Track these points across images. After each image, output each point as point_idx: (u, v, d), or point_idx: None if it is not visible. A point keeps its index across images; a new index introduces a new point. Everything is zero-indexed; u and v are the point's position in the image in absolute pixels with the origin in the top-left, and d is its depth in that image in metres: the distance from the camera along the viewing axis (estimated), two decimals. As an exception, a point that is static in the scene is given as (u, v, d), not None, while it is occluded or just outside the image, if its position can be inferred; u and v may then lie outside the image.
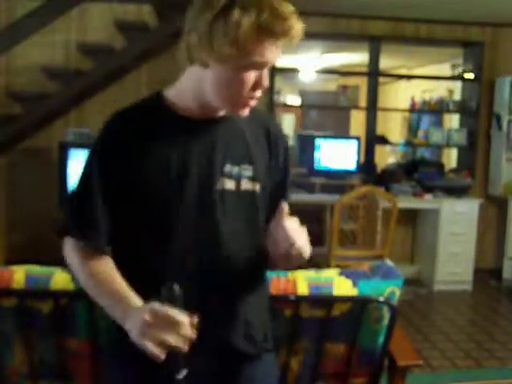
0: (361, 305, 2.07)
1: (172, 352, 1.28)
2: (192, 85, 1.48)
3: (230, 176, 1.52)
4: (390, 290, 2.08)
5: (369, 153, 6.65)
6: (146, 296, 1.38)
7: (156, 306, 1.29)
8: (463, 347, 4.55)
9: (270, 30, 1.37)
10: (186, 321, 1.28)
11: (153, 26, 5.38)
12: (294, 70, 8.00)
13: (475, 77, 6.50)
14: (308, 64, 8.47)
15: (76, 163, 5.01)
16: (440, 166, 6.61)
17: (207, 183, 1.49)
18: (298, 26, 1.48)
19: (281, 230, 1.45)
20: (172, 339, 1.27)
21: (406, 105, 7.48)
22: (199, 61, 1.41)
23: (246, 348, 1.58)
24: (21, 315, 1.96)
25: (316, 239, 5.96)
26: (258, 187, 1.56)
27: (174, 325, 1.27)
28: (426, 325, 5.05)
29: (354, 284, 2.07)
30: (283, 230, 1.44)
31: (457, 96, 7.19)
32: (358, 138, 6.37)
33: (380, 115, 7.00)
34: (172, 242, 1.47)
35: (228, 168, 1.51)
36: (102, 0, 5.56)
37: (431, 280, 6.06)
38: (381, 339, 2.13)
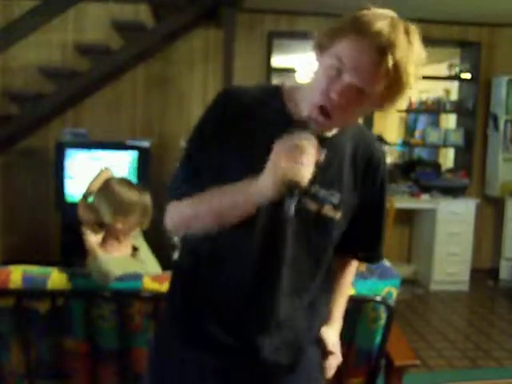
0: (358, 305, 2.07)
1: (290, 187, 1.27)
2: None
3: (313, 198, 1.46)
4: (387, 290, 2.09)
5: (366, 153, 6.64)
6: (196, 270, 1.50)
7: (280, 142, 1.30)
8: (460, 347, 4.56)
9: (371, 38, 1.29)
10: (313, 147, 1.29)
11: (149, 26, 5.38)
12: (290, 70, 7.99)
13: (472, 77, 6.51)
14: (305, 64, 8.47)
15: (72, 163, 5.01)
16: (437, 166, 6.61)
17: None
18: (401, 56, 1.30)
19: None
20: (304, 161, 1.26)
21: (402, 105, 7.48)
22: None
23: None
24: (18, 315, 1.96)
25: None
26: (338, 215, 1.50)
27: (303, 150, 1.27)
28: (422, 325, 5.06)
29: (351, 284, 2.07)
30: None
31: (453, 96, 7.19)
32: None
33: (377, 115, 7.00)
34: (239, 236, 1.45)
35: (315, 189, 1.46)
36: (99, 0, 5.55)
37: (428, 280, 6.06)
38: (377, 339, 2.13)
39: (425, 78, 8.48)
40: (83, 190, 2.66)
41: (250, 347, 1.50)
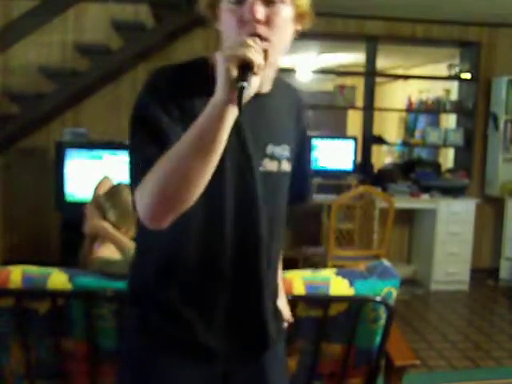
0: (357, 305, 2.07)
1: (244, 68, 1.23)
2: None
3: (272, 157, 1.49)
4: (387, 289, 2.08)
5: (366, 153, 6.66)
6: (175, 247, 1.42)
7: None
8: (460, 347, 4.56)
9: None
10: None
11: (149, 26, 5.38)
12: (290, 70, 7.99)
13: (472, 77, 6.51)
14: (305, 64, 8.47)
15: (73, 163, 5.01)
16: (437, 166, 6.62)
17: (248, 165, 1.44)
18: None
19: None
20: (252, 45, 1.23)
21: (402, 105, 7.49)
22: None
23: (273, 330, 1.58)
24: (17, 315, 1.96)
25: (313, 239, 5.96)
26: (289, 167, 1.55)
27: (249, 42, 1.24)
28: (422, 325, 5.06)
29: (351, 284, 2.07)
30: None
31: (453, 96, 7.19)
32: (354, 138, 6.38)
33: (377, 115, 7.01)
34: (210, 211, 1.42)
35: (270, 149, 1.48)
36: (99, 0, 5.55)
37: (428, 280, 6.06)
38: (377, 339, 2.13)
39: (425, 77, 8.53)
40: (90, 198, 2.68)
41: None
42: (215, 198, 1.39)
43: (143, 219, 1.29)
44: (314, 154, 6.08)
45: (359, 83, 7.21)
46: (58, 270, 2.05)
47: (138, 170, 1.32)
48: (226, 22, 1.37)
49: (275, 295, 1.64)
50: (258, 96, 1.35)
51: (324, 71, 9.48)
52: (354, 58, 8.23)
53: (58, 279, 2.00)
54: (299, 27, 1.45)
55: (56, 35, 5.52)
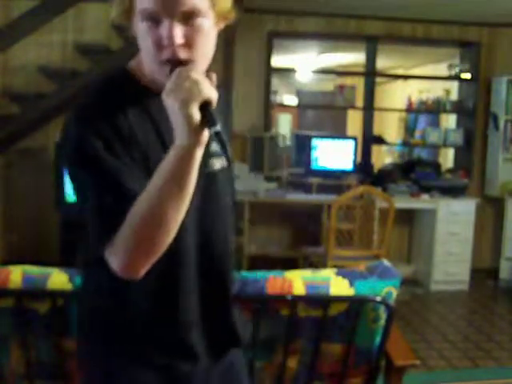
0: (358, 305, 2.07)
1: (205, 108, 1.20)
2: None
3: (216, 155, 1.47)
4: (387, 289, 2.08)
5: (365, 153, 6.66)
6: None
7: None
8: (460, 347, 4.56)
9: None
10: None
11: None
12: (290, 70, 8.00)
13: (472, 77, 6.51)
14: (305, 64, 8.48)
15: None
16: (437, 166, 6.62)
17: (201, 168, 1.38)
18: None
19: None
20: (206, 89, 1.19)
21: (402, 105, 7.49)
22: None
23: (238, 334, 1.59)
24: (17, 315, 1.96)
25: (313, 239, 5.96)
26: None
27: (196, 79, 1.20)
28: (422, 325, 5.06)
29: (351, 284, 2.07)
30: None
31: (453, 96, 7.19)
32: (354, 138, 6.37)
33: (377, 115, 7.01)
34: None
35: (214, 146, 1.44)
36: (99, 0, 5.55)
37: (428, 280, 6.06)
38: (377, 339, 2.13)
39: (425, 77, 8.53)
40: None
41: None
42: None
43: (120, 273, 1.25)
44: (314, 154, 6.08)
45: (359, 83, 7.20)
46: (58, 269, 2.05)
47: (102, 225, 1.26)
48: (143, 40, 1.30)
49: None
50: None
51: (324, 71, 9.49)
52: (353, 58, 8.22)
53: (58, 279, 2.00)
54: (222, 25, 1.38)
55: (56, 35, 5.52)
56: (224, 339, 1.55)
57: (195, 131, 1.19)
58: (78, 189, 1.33)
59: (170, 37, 1.24)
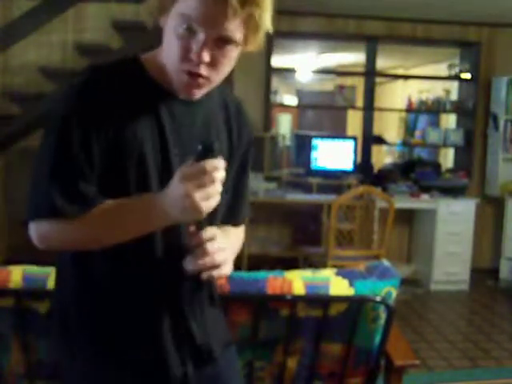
0: (357, 305, 2.07)
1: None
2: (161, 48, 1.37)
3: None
4: (387, 290, 2.08)
5: (365, 153, 6.66)
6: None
7: (184, 167, 1.20)
8: (460, 347, 4.56)
9: None
10: (221, 164, 1.20)
11: (149, 26, 5.38)
12: (290, 70, 8.00)
13: (472, 77, 6.51)
14: (305, 64, 8.48)
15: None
16: (437, 166, 6.62)
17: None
18: None
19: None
20: (214, 188, 1.20)
21: (402, 105, 7.49)
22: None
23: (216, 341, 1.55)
24: (18, 315, 1.96)
25: (313, 239, 5.97)
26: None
27: (211, 174, 1.18)
28: (422, 325, 5.06)
29: (351, 284, 2.07)
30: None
31: (453, 96, 7.20)
32: (354, 138, 6.38)
33: (377, 115, 7.01)
34: None
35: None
36: (99, 0, 5.55)
37: (428, 280, 6.06)
38: (377, 339, 2.13)
39: (425, 77, 8.53)
40: None
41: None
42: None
43: (35, 242, 1.36)
44: (314, 154, 6.09)
45: (359, 83, 7.22)
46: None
47: (39, 202, 1.32)
48: (171, 41, 1.30)
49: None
50: (187, 104, 1.37)
51: (324, 71, 9.50)
52: (353, 58, 8.23)
53: (58, 279, 2.00)
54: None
55: (56, 35, 5.52)
56: (198, 352, 1.50)
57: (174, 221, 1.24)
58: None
59: (200, 55, 1.25)
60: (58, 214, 1.29)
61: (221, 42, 1.27)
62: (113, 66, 1.39)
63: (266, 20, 1.30)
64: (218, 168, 1.19)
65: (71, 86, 1.34)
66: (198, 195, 1.17)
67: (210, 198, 1.19)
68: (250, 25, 1.28)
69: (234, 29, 1.26)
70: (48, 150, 1.34)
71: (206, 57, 1.26)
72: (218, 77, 1.33)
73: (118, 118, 1.32)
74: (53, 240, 1.37)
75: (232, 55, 1.31)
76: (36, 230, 1.35)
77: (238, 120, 1.53)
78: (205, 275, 1.29)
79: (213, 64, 1.28)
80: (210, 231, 1.28)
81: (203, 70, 1.28)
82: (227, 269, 1.33)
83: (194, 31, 1.25)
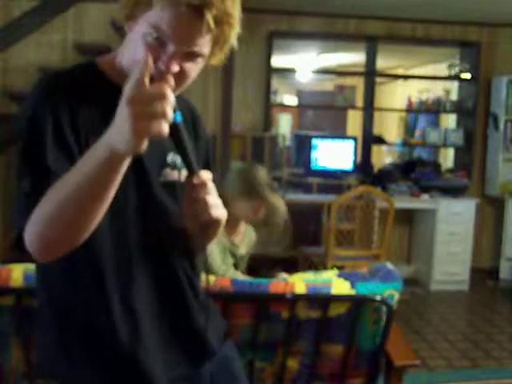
0: (358, 305, 2.07)
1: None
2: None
3: (173, 167, 1.44)
4: (389, 292, 2.08)
5: (365, 153, 6.66)
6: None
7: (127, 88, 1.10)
8: (460, 347, 4.56)
9: None
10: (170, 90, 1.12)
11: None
12: (290, 70, 8.00)
13: (472, 77, 6.51)
14: (305, 64, 8.48)
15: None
16: (437, 166, 6.62)
17: (148, 176, 1.39)
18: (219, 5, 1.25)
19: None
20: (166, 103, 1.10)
21: (402, 105, 7.50)
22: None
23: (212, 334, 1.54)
24: (18, 314, 1.96)
25: (313, 239, 5.97)
26: None
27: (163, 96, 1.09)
28: (422, 325, 5.06)
29: (352, 286, 2.07)
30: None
31: (453, 96, 7.19)
32: (354, 138, 6.38)
33: (377, 115, 7.01)
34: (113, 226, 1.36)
35: (172, 157, 1.43)
36: (99, 0, 5.55)
37: (428, 280, 6.07)
38: (378, 339, 2.13)
39: (425, 77, 8.53)
40: None
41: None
42: (119, 216, 1.35)
43: (37, 256, 1.38)
44: (314, 154, 6.08)
45: (359, 83, 7.22)
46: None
47: (21, 204, 1.41)
48: (136, 48, 1.27)
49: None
50: None
51: (324, 71, 9.48)
52: (353, 58, 8.22)
53: (58, 279, 2.00)
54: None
55: (56, 35, 5.52)
56: (189, 353, 1.49)
57: (138, 140, 1.09)
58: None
59: (168, 65, 1.24)
60: (32, 194, 1.36)
61: (190, 55, 1.28)
62: (71, 71, 1.39)
63: (233, 37, 1.35)
64: (165, 95, 1.09)
65: (32, 90, 1.34)
66: (145, 121, 1.07)
67: (162, 121, 1.08)
68: (219, 41, 1.31)
69: (204, 44, 1.28)
70: (20, 152, 1.41)
71: (176, 67, 1.25)
72: (181, 87, 1.32)
73: (83, 120, 1.31)
74: (47, 234, 1.34)
75: (198, 67, 1.33)
76: (29, 237, 1.39)
77: (194, 123, 1.55)
78: (207, 216, 1.30)
79: (181, 75, 1.28)
80: (204, 173, 1.29)
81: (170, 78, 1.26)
82: (224, 212, 1.35)
83: (164, 42, 1.25)
